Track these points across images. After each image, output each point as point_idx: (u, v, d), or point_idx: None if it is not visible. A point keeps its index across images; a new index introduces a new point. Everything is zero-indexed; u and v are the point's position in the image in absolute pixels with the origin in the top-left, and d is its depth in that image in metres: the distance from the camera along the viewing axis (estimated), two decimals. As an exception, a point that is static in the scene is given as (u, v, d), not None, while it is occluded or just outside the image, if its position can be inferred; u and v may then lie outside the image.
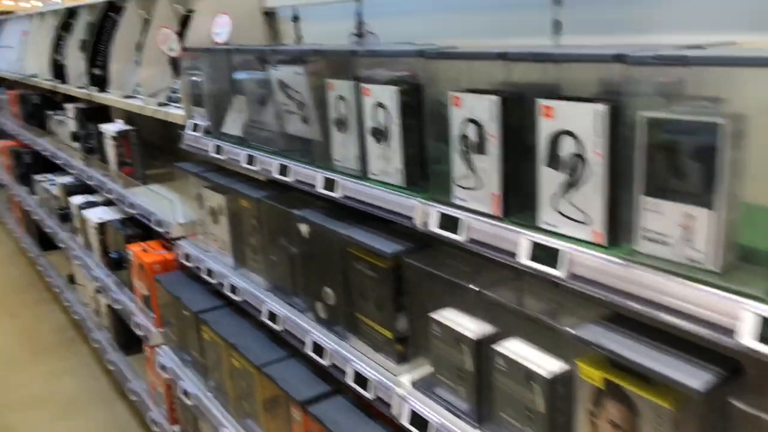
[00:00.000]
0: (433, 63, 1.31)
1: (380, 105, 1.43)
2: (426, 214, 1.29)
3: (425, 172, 1.40)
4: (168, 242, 2.49)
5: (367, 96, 1.46)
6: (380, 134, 1.44)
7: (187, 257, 2.30)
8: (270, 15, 2.52)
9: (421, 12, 1.99)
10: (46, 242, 4.40)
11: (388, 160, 1.43)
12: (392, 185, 1.42)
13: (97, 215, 3.07)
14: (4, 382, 3.44)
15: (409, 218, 1.33)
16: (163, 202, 2.65)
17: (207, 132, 2.24)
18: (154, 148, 3.26)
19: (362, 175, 1.53)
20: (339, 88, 1.57)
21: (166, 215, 2.47)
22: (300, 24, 2.45)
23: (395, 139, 1.40)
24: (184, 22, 2.64)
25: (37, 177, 4.25)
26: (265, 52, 1.86)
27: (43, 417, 3.13)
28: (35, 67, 4.44)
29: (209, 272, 2.15)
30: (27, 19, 5.02)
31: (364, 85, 1.47)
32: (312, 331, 1.63)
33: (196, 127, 2.28)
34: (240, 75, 2.09)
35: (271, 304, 1.81)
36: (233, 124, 2.14)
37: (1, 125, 5.57)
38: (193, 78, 2.32)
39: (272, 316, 1.79)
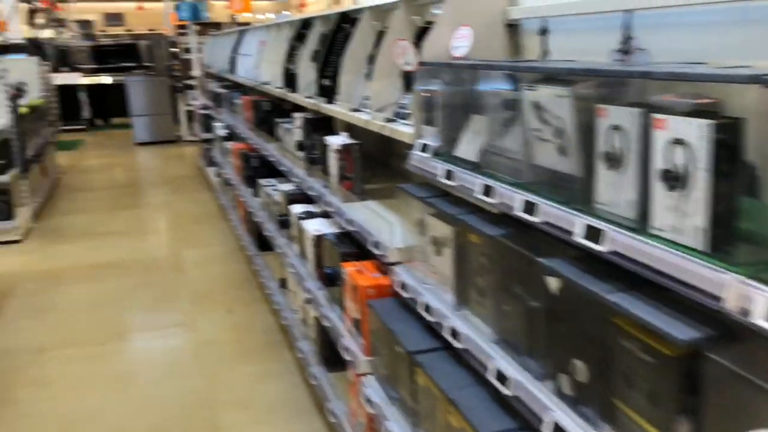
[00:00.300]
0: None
1: (679, 142, 1.11)
2: (746, 298, 0.95)
3: (735, 236, 1.06)
4: (383, 266, 2.35)
5: (659, 129, 1.15)
6: (675, 180, 1.12)
7: (404, 286, 2.13)
8: (513, 27, 2.28)
9: (710, 24, 1.62)
10: (264, 243, 4.58)
11: (685, 214, 1.11)
12: (687, 248, 1.09)
13: (314, 227, 3.05)
14: (216, 378, 3.59)
15: (716, 298, 0.99)
16: (380, 222, 2.53)
17: (437, 154, 2.05)
18: (373, 162, 3.19)
19: (639, 227, 1.22)
20: (615, 115, 1.27)
21: (383, 237, 2.33)
22: (547, 37, 2.17)
23: (699, 189, 1.07)
24: (420, 34, 2.50)
25: (262, 181, 4.44)
26: (519, 69, 1.62)
27: (246, 419, 3.19)
28: (268, 75, 4.67)
29: (427, 308, 1.95)
30: (265, 29, 5.32)
31: (657, 116, 1.16)
32: (554, 410, 1.35)
33: (425, 148, 2.11)
34: (481, 93, 1.87)
35: (500, 361, 1.56)
36: (468, 148, 1.93)
37: (234, 128, 5.99)
38: (427, 94, 2.15)
39: (501, 377, 1.53)
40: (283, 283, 3.94)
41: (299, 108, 3.87)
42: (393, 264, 2.25)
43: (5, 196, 6.18)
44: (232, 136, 6.31)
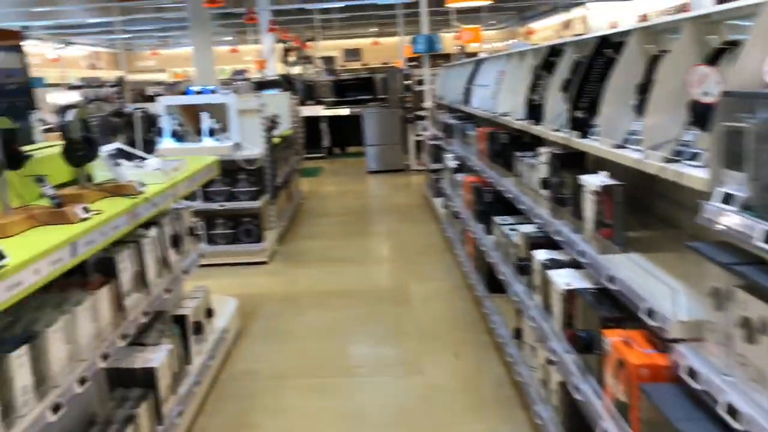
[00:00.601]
0: None
1: None
2: None
3: None
4: (660, 341, 1.92)
5: None
6: None
7: (692, 373, 1.69)
8: None
9: None
10: (494, 284, 4.29)
11: None
12: None
13: (564, 279, 2.69)
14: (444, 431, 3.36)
15: None
16: (653, 283, 2.10)
17: (746, 207, 1.60)
18: (631, 206, 2.74)
19: None
20: None
21: (661, 304, 1.91)
22: None
23: None
24: (713, 57, 2.05)
25: (496, 218, 4.17)
26: None
27: (475, 483, 2.91)
28: (507, 106, 4.41)
29: (731, 410, 1.50)
30: (504, 58, 5.08)
31: None
32: None
33: (728, 199, 1.67)
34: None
35: None
36: (801, 204, 1.46)
37: (466, 160, 5.83)
38: (731, 132, 1.71)
39: None
40: (517, 334, 3.60)
41: (541, 141, 3.55)
42: (675, 341, 1.82)
43: (257, 220, 6.67)
44: (462, 168, 6.16)
